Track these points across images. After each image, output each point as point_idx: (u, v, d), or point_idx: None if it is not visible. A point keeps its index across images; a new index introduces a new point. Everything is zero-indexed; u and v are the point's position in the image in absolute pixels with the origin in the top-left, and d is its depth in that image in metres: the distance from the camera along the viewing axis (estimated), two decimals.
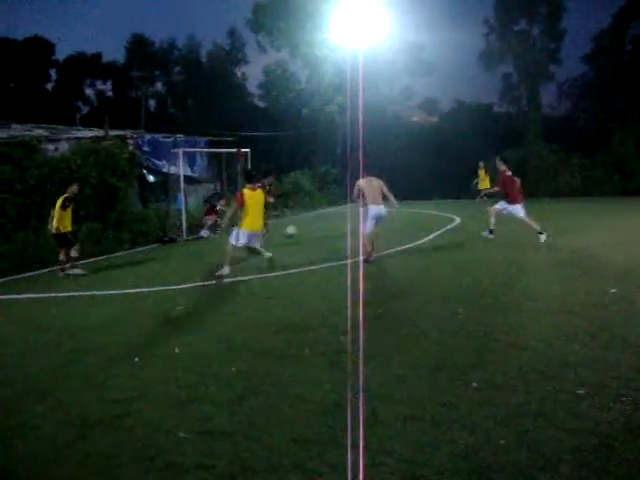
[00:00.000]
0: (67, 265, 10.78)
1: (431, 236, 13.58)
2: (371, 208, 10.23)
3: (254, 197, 9.66)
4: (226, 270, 9.37)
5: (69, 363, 5.40)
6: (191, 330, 6.28)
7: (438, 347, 5.20)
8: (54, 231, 10.62)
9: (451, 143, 32.35)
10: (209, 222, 17.00)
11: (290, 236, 13.43)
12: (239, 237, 9.50)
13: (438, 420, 3.74)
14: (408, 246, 12.00)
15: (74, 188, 11.11)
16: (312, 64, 33.70)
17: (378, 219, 10.38)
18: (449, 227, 15.79)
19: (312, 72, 34.45)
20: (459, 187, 28.83)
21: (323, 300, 7.35)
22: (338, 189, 30.24)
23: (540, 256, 10.33)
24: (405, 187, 30.91)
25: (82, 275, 10.66)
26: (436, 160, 31.89)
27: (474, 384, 4.27)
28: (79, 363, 5.38)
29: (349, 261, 9.80)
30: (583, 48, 38.62)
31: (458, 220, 17.46)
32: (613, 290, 7.05)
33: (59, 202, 10.62)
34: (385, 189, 10.47)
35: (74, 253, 10.84)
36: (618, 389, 4.06)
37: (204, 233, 16.63)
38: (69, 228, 10.77)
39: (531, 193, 28.36)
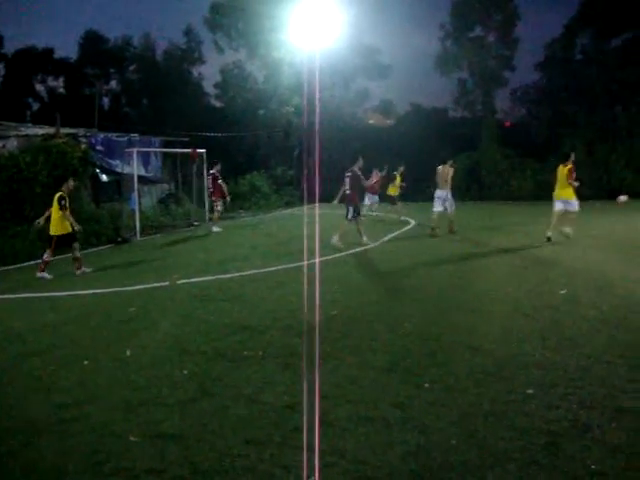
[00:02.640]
0: (77, 266, 10.52)
1: (386, 238, 13.66)
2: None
3: None
4: None
5: (14, 366, 5.25)
6: (143, 332, 6.18)
7: (391, 348, 5.23)
8: (55, 233, 10.36)
9: (407, 146, 32.63)
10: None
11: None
12: None
13: (390, 421, 3.76)
14: (362, 249, 12.03)
15: (70, 184, 10.80)
16: (270, 65, 33.66)
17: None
18: (404, 229, 15.91)
19: (270, 73, 34.39)
20: (415, 190, 29.18)
21: (278, 302, 7.32)
22: (295, 191, 30.23)
23: (494, 258, 10.49)
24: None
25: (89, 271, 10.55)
26: (392, 163, 32.17)
27: (426, 385, 4.31)
28: (25, 365, 5.24)
29: (305, 263, 9.79)
30: (536, 56, 39.50)
31: (413, 222, 17.63)
32: (563, 291, 7.23)
33: (55, 203, 10.32)
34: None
35: (77, 254, 10.57)
36: (566, 388, 4.15)
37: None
38: (69, 229, 10.46)
39: (484, 197, 28.96)
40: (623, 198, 15.16)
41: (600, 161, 30.40)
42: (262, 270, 9.77)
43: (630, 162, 30.38)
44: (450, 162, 14.59)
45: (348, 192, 12.57)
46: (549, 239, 11.90)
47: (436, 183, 14.45)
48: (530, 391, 4.12)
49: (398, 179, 21.00)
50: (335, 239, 12.24)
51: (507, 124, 39.53)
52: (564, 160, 12.76)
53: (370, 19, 34.22)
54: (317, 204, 10.04)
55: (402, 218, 18.52)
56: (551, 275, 8.48)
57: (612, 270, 8.72)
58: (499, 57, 36.77)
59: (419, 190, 27.87)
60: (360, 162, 12.76)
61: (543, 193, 27.25)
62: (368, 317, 6.37)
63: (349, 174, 12.60)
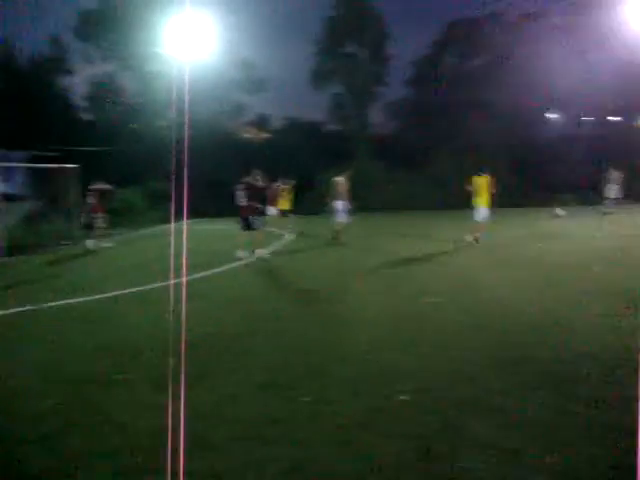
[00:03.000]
0: None
1: (251, 254, 13.59)
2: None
3: None
4: None
5: None
6: (2, 360, 5.73)
7: (268, 364, 5.19)
8: None
9: (283, 160, 32.88)
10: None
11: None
12: None
13: (267, 438, 3.71)
14: (237, 264, 11.95)
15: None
16: (143, 78, 32.81)
17: None
18: (280, 243, 15.97)
19: (143, 86, 33.51)
20: (292, 203, 29.44)
21: (151, 321, 7.07)
22: (170, 206, 29.50)
23: (372, 267, 10.74)
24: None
25: None
26: (269, 177, 32.26)
27: (304, 398, 4.31)
28: None
29: (181, 280, 9.52)
30: (406, 72, 41.22)
31: (290, 236, 17.75)
32: (435, 299, 7.53)
33: None
34: None
35: None
36: (438, 392, 4.30)
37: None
38: None
39: (360, 207, 29.64)
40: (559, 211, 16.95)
41: (467, 172, 32.03)
42: (135, 289, 9.40)
43: (492, 174, 32.36)
44: (346, 174, 15.05)
45: (243, 204, 12.61)
46: (477, 240, 13.38)
47: (333, 195, 14.96)
48: (404, 397, 4.23)
49: (287, 192, 21.15)
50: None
51: (380, 137, 40.81)
52: (478, 172, 14.37)
53: (246, 33, 34.27)
54: (186, 220, 9.79)
55: (285, 231, 18.62)
56: (426, 282, 8.82)
57: (484, 275, 9.24)
58: (371, 73, 38.02)
59: (295, 202, 28.11)
60: (256, 174, 12.83)
61: (415, 203, 28.44)
62: (245, 333, 6.29)
63: (243, 186, 12.62)
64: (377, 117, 44.34)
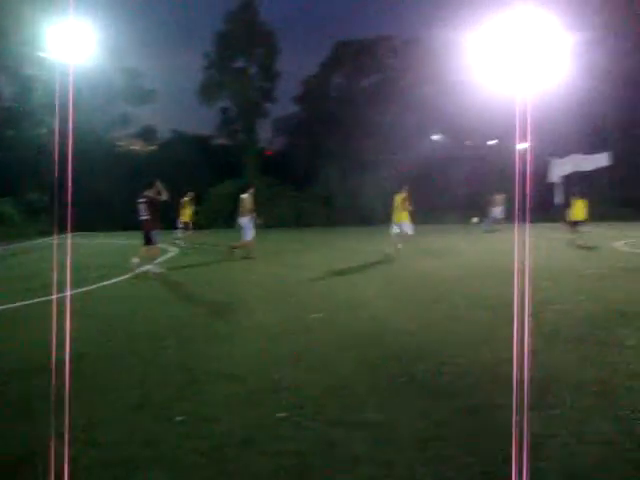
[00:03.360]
0: None
1: (143, 269, 13.21)
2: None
3: None
4: None
5: None
6: None
7: (143, 383, 4.99)
8: None
9: (170, 173, 32.24)
10: None
11: None
12: None
13: (139, 461, 3.55)
14: (116, 280, 11.54)
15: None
16: (20, 82, 31.10)
17: None
18: (163, 258, 15.61)
19: (20, 90, 31.76)
20: (192, 215, 28.95)
21: (21, 341, 6.63)
22: (49, 219, 28.12)
23: (257, 283, 10.71)
24: (126, 217, 29.85)
25: None
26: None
27: (179, 418, 4.18)
28: None
29: (59, 295, 9.05)
30: (296, 89, 41.83)
31: (174, 251, 17.41)
32: (318, 315, 7.59)
33: None
34: None
35: None
36: (316, 408, 4.30)
37: None
38: None
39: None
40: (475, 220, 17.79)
41: (353, 190, 32.89)
42: (5, 307, 8.83)
43: (377, 192, 33.35)
44: (251, 191, 15.00)
45: (145, 218, 12.24)
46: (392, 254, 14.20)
47: (240, 212, 14.94)
48: (282, 414, 4.20)
49: (188, 205, 20.94)
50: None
51: (268, 153, 41.08)
52: (399, 190, 15.10)
53: (135, 43, 33.52)
54: (69, 233, 9.36)
55: (173, 246, 18.28)
56: (309, 299, 8.89)
57: (364, 291, 9.43)
58: (261, 88, 38.19)
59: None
60: (157, 186, 12.43)
61: (302, 220, 28.75)
62: (122, 352, 6.04)
63: (143, 200, 12.24)
64: (266, 133, 44.65)
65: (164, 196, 12.45)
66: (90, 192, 28.80)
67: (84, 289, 10.20)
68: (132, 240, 19.05)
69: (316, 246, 18.19)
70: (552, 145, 30.92)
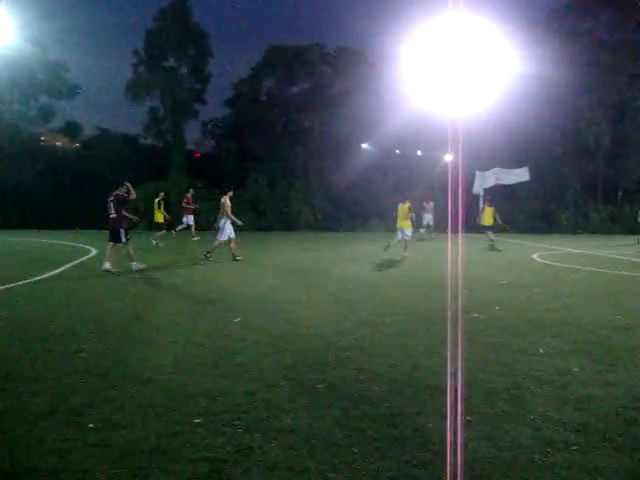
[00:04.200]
0: None
1: (59, 269, 12.79)
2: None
3: None
4: None
5: None
6: None
7: (53, 389, 4.80)
8: None
9: (95, 171, 31.38)
10: None
11: None
12: None
13: (45, 472, 3.41)
14: (29, 280, 11.12)
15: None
16: None
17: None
18: (82, 259, 15.17)
19: None
20: (104, 217, 28.18)
21: None
22: None
23: (172, 289, 10.54)
24: (44, 215, 28.87)
25: None
26: (78, 188, 30.60)
27: (91, 425, 4.04)
28: None
29: None
30: (227, 92, 41.57)
31: (94, 252, 16.92)
32: (237, 319, 7.54)
33: None
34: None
35: None
36: (232, 414, 4.26)
37: None
38: None
39: (174, 226, 29.05)
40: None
41: (281, 195, 32.93)
42: None
43: (306, 197, 33.54)
44: (230, 194, 15.06)
45: (114, 216, 12.67)
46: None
47: (220, 214, 14.96)
48: (197, 420, 4.14)
49: (159, 206, 20.71)
50: (106, 265, 12.45)
51: (197, 155, 40.60)
52: (402, 200, 17.14)
53: (58, 35, 32.51)
54: None
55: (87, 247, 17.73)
56: (228, 303, 8.82)
57: (284, 296, 9.43)
58: (191, 89, 37.70)
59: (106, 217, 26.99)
60: (126, 187, 12.88)
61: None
62: (31, 355, 5.80)
63: (112, 199, 12.67)
64: (195, 135, 44.12)
65: (132, 196, 12.93)
66: (7, 187, 27.72)
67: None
68: (57, 239, 18.48)
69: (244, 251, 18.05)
70: (477, 158, 31.97)
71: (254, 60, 40.55)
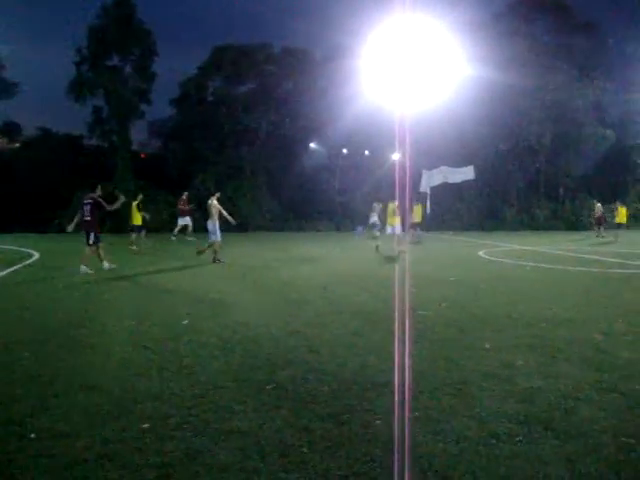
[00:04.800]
0: None
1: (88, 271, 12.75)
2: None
3: None
4: None
5: None
6: None
7: None
8: None
9: (35, 173, 30.49)
10: None
11: None
12: None
13: None
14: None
15: None
16: None
17: None
18: (25, 263, 14.75)
19: None
20: (46, 220, 27.39)
21: None
22: None
23: (120, 290, 10.35)
24: None
25: None
26: (18, 190, 29.71)
27: (32, 435, 3.93)
28: None
29: None
30: (173, 92, 40.94)
31: (37, 255, 16.48)
32: (185, 321, 7.46)
33: None
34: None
35: None
36: (181, 418, 4.21)
37: None
38: None
39: (114, 229, 28.54)
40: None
41: (228, 196, 32.66)
42: None
43: (254, 198, 33.38)
44: (217, 195, 15.46)
45: (88, 219, 12.82)
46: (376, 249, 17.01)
47: (209, 215, 15.19)
48: (145, 425, 4.07)
49: (138, 209, 20.68)
50: (83, 268, 12.59)
51: (143, 156, 39.96)
52: (392, 200, 19.00)
53: None
54: None
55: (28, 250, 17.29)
56: (175, 305, 8.72)
57: (233, 297, 9.38)
58: (136, 89, 37.05)
59: (48, 220, 26.34)
60: (99, 191, 13.15)
61: (176, 224, 28.16)
62: None
63: (89, 201, 12.83)
64: (141, 135, 43.38)
65: (107, 208, 13.11)
66: None
67: None
68: None
69: (184, 252, 17.81)
70: (425, 157, 32.44)
71: (201, 59, 40.18)
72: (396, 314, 7.56)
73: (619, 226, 28.01)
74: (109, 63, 36.61)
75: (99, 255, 13.07)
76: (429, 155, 33.53)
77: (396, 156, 34.82)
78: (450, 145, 36.75)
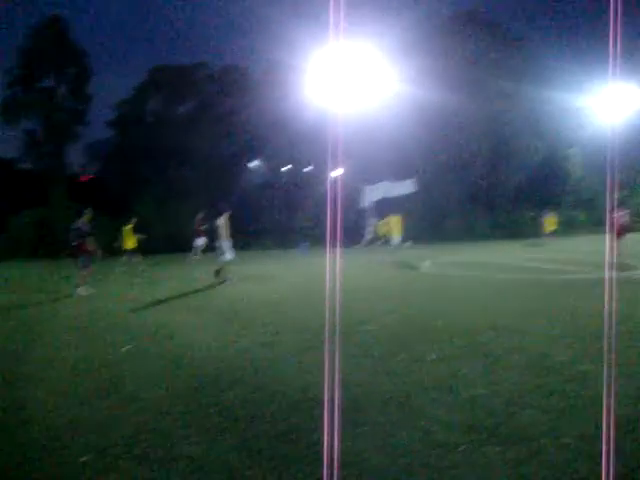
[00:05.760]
0: None
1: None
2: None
3: None
4: None
5: None
6: None
7: None
8: None
9: None
10: None
11: None
12: None
13: None
14: None
15: None
16: None
17: None
18: None
19: None
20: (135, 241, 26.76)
21: None
22: None
23: (62, 319, 10.05)
24: None
25: None
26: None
27: None
28: None
29: None
30: (110, 113, 40.17)
31: None
32: (127, 347, 7.28)
33: None
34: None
35: None
36: (124, 446, 4.10)
37: None
38: None
39: (52, 252, 27.71)
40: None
41: (170, 217, 32.23)
42: None
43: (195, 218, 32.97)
44: (227, 214, 14.92)
45: (74, 244, 13.10)
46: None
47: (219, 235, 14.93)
48: (86, 458, 3.95)
49: (130, 232, 21.04)
50: (81, 289, 12.92)
51: (81, 179, 39.07)
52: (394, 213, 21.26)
53: None
54: None
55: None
56: (118, 331, 8.52)
57: (176, 319, 9.24)
58: (71, 110, 36.25)
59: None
60: (87, 216, 13.33)
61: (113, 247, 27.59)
62: None
63: (76, 228, 13.14)
64: (77, 158, 42.45)
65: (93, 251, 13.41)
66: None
67: None
68: None
69: (124, 275, 17.45)
70: (365, 172, 32.82)
71: (139, 80, 39.67)
72: (340, 330, 7.59)
73: (550, 234, 29.45)
74: (42, 84, 35.71)
75: (82, 278, 13.21)
76: (370, 171, 33.97)
77: (336, 172, 35.06)
78: (390, 160, 37.31)
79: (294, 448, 4.00)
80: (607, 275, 13.45)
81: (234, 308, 10.48)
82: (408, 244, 25.35)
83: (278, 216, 37.63)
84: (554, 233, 29.57)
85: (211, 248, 15.36)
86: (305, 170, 41.03)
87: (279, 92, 35.71)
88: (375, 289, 12.45)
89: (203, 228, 23.36)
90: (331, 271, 16.81)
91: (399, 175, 35.40)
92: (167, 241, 29.97)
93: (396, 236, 22.14)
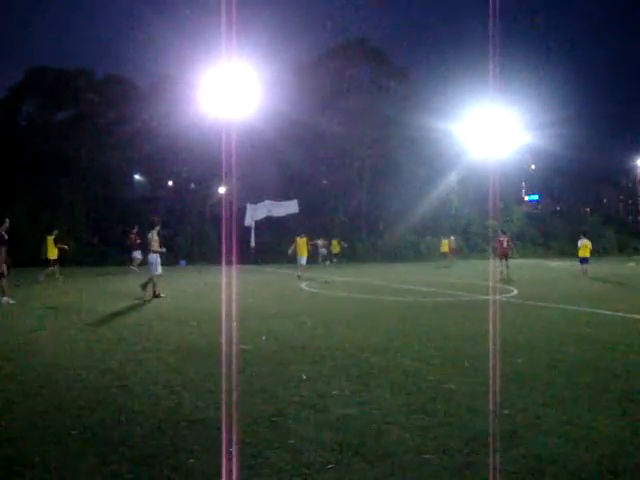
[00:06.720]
0: None
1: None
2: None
3: None
4: None
5: None
6: None
7: None
8: None
9: None
10: None
11: None
12: None
13: None
14: None
15: None
16: None
17: None
18: None
19: None
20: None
21: None
22: None
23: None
24: None
25: None
26: None
27: None
28: None
29: None
30: None
31: None
32: None
33: None
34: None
35: None
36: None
37: None
38: None
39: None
40: None
41: (43, 228, 30.45)
42: None
43: (71, 230, 31.45)
44: (157, 228, 14.69)
45: None
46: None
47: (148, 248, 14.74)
48: None
49: (53, 243, 20.88)
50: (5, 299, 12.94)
51: None
52: (300, 235, 22.77)
53: None
54: None
55: None
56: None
57: (41, 336, 8.72)
58: None
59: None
60: (6, 225, 13.34)
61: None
62: None
63: None
64: None
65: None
66: None
67: None
68: None
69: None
70: (250, 191, 32.83)
71: (13, 81, 37.53)
72: (216, 349, 7.45)
73: (444, 256, 33.46)
74: None
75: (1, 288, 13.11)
76: (254, 190, 34.05)
77: (222, 189, 34.85)
78: (275, 180, 37.62)
79: (157, 471, 3.83)
80: (484, 297, 14.19)
81: (104, 325, 10.07)
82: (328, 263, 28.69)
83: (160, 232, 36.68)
84: (446, 255, 33.46)
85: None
86: (190, 187, 40.49)
87: (167, 106, 35.09)
88: (254, 308, 12.37)
89: (138, 242, 24.53)
90: (213, 289, 16.60)
91: (283, 196, 35.74)
92: (39, 253, 28.30)
93: (302, 257, 22.17)
